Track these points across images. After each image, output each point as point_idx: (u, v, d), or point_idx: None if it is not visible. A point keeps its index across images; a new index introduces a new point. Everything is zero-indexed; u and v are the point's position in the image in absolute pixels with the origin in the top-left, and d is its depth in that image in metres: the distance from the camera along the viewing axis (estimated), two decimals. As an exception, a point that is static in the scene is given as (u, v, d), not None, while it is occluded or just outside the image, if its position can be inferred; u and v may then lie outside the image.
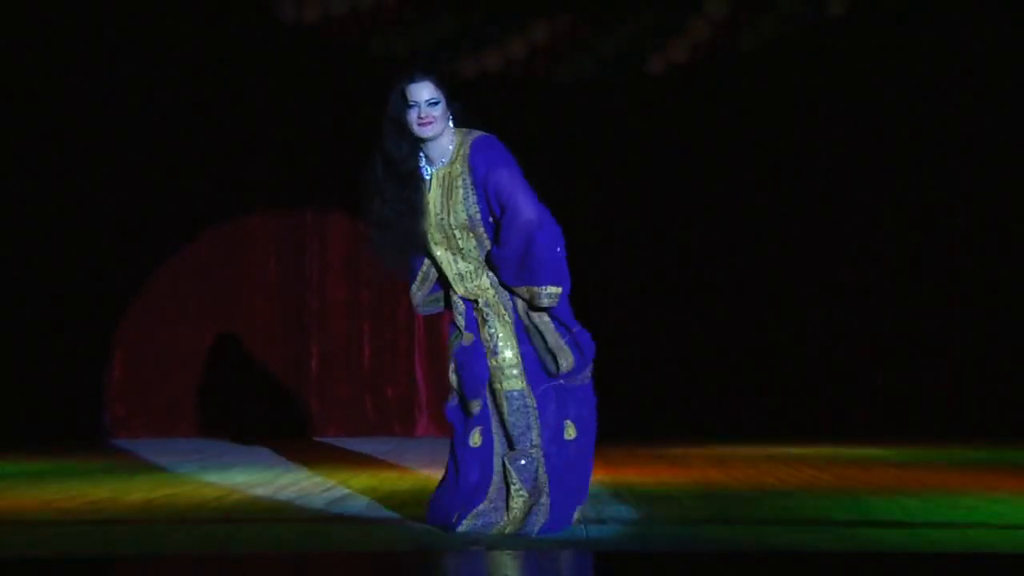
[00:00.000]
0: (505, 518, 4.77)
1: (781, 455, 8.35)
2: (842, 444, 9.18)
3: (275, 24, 10.12)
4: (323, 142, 10.31)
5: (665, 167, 10.43)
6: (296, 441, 9.69)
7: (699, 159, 10.40)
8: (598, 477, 6.67)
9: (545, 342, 4.77)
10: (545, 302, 4.73)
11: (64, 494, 6.25)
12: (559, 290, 4.72)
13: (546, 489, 4.74)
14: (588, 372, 4.88)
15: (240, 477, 7.06)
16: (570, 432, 4.81)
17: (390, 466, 7.64)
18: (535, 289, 4.71)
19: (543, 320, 4.77)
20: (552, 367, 4.77)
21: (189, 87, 10.23)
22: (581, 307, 5.00)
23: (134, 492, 6.35)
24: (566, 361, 4.77)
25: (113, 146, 10.24)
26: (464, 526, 4.77)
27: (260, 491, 6.37)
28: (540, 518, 4.74)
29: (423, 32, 10.16)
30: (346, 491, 6.34)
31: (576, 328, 4.82)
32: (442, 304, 5.01)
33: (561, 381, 4.80)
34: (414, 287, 4.97)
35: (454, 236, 4.80)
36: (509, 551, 4.55)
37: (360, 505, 5.81)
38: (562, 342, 4.78)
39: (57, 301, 10.15)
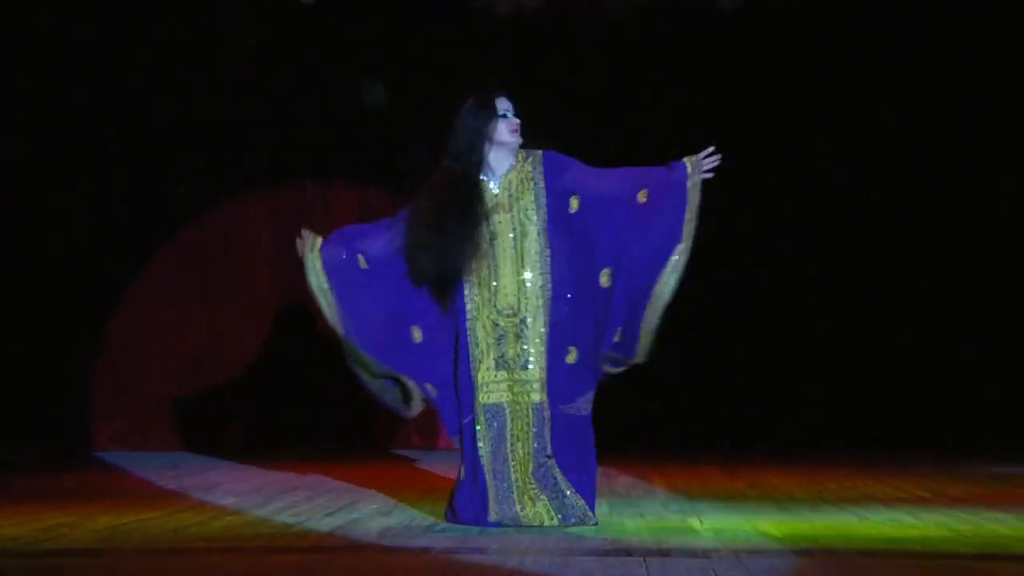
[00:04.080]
0: (527, 512, 5.79)
1: (872, 468, 8.39)
2: (948, 456, 9.14)
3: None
4: (322, 101, 10.43)
5: (734, 118, 10.36)
6: (294, 454, 9.71)
7: (773, 108, 10.39)
8: (657, 495, 7.15)
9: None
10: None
11: (13, 519, 6.20)
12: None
13: (567, 490, 5.80)
14: (583, 401, 5.87)
15: (227, 498, 7.06)
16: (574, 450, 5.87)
17: (407, 485, 7.66)
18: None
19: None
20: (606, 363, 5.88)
21: (168, 46, 10.42)
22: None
23: (98, 516, 6.29)
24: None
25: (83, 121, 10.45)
26: (493, 516, 5.79)
27: (251, 515, 6.37)
28: (572, 511, 5.79)
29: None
30: (355, 515, 6.34)
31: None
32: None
33: (561, 407, 5.84)
34: None
35: (520, 236, 5.83)
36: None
37: (372, 532, 5.76)
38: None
39: (16, 302, 10.39)
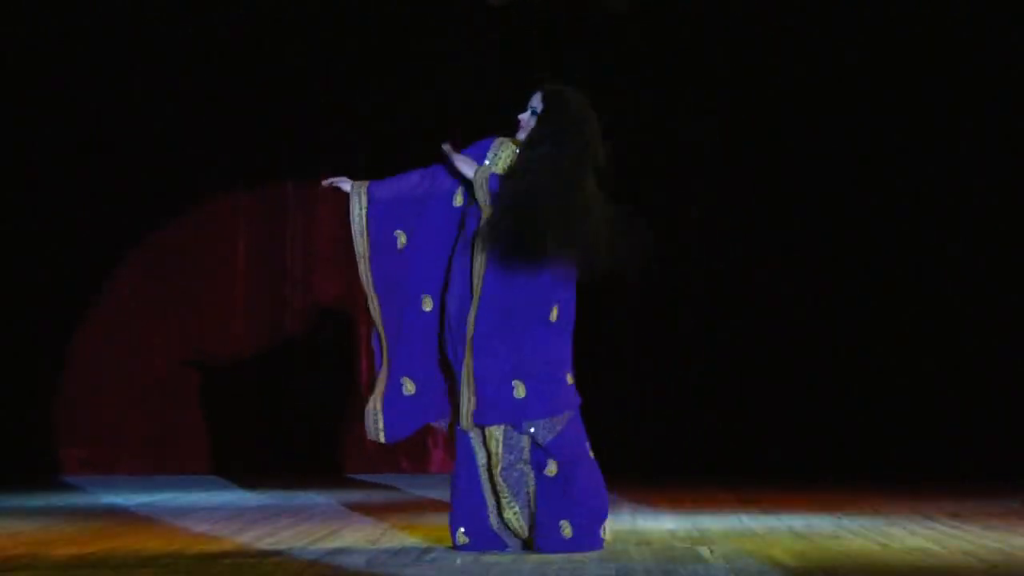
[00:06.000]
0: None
1: (894, 493, 8.30)
2: (977, 481, 9.05)
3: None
4: (303, 96, 10.43)
5: (748, 114, 10.39)
6: (274, 479, 9.67)
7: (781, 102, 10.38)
8: (663, 521, 7.04)
9: None
10: None
11: (-30, 549, 6.15)
12: None
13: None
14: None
15: (201, 525, 7.02)
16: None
17: (396, 511, 7.62)
18: None
19: None
20: None
21: (135, 44, 10.37)
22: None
23: (63, 546, 6.25)
24: None
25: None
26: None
27: (227, 543, 6.32)
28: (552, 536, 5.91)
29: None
30: (340, 543, 6.29)
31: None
32: None
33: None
34: None
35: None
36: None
37: (358, 562, 5.71)
38: None
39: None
